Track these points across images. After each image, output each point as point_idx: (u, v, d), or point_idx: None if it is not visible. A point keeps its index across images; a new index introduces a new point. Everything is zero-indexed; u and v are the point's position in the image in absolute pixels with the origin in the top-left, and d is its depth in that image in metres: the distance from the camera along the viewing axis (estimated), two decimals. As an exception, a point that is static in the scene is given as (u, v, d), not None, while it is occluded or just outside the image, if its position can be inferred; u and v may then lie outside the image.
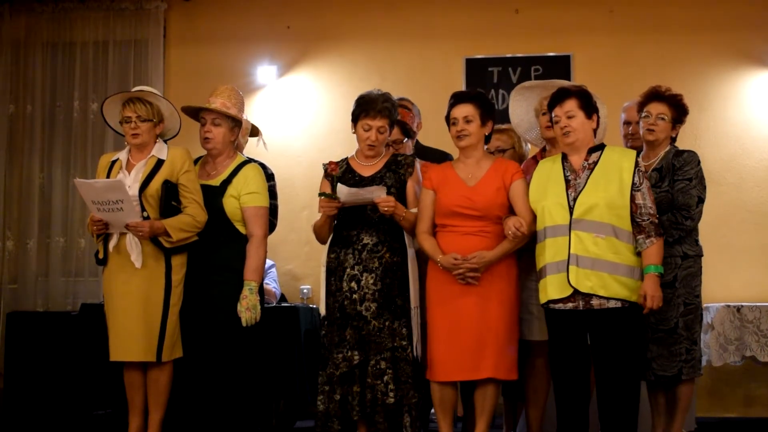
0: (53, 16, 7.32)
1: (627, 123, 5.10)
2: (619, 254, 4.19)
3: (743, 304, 5.90)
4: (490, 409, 4.43)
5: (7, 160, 7.30)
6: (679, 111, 4.75)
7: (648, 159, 4.75)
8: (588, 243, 4.18)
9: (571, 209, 4.23)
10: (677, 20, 6.83)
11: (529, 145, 5.04)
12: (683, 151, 4.72)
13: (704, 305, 5.89)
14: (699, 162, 4.68)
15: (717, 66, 6.79)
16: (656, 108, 4.71)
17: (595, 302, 4.19)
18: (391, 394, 4.45)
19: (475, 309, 4.38)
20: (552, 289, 4.25)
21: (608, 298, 4.17)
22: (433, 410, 4.66)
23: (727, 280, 6.55)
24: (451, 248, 4.40)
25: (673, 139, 4.78)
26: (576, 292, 4.20)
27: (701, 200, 4.64)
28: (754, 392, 6.58)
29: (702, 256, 4.72)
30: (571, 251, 4.19)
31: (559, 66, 6.88)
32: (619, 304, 4.18)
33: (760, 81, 6.76)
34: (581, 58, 6.91)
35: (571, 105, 4.33)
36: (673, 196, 4.60)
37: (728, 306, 5.86)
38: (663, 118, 4.70)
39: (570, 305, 4.23)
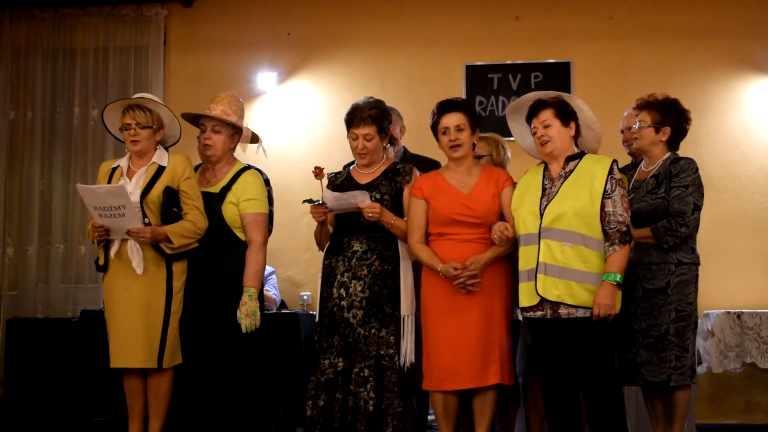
0: (54, 22, 7.34)
1: (623, 131, 5.15)
2: (588, 263, 4.18)
3: (743, 310, 5.90)
4: (490, 414, 4.44)
5: (8, 166, 7.30)
6: (662, 113, 4.69)
7: (647, 166, 4.76)
8: (556, 251, 4.19)
9: (541, 217, 4.25)
10: (677, 27, 6.84)
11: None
12: (681, 158, 4.70)
13: (704, 312, 5.92)
14: (696, 169, 4.66)
15: (717, 73, 6.80)
16: (639, 117, 4.73)
17: (562, 311, 4.19)
18: (372, 403, 4.44)
19: (479, 317, 4.38)
20: (522, 296, 4.29)
21: (576, 307, 4.17)
22: (431, 417, 4.65)
23: (727, 287, 6.55)
24: (450, 256, 4.40)
25: (672, 143, 4.75)
26: (544, 301, 4.20)
27: (697, 207, 4.62)
28: (754, 399, 6.58)
29: (698, 264, 4.70)
30: (540, 259, 4.20)
31: (559, 73, 6.89)
32: (588, 314, 4.17)
33: (759, 87, 6.76)
34: (581, 64, 6.92)
35: (546, 115, 4.35)
36: (669, 203, 4.60)
37: (728, 312, 5.85)
38: (642, 125, 4.70)
39: (539, 313, 4.24)
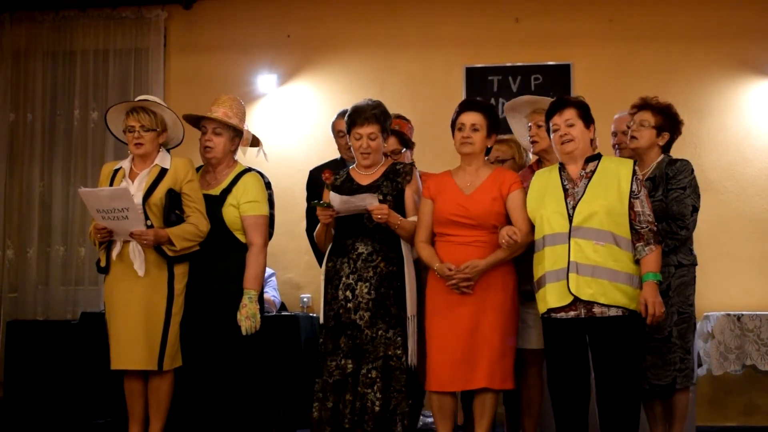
0: (54, 24, 7.34)
1: (614, 134, 5.14)
2: (619, 262, 4.18)
3: (743, 312, 5.90)
4: (489, 417, 4.43)
5: (8, 168, 7.31)
6: (664, 118, 4.73)
7: (641, 169, 4.76)
8: (588, 250, 4.17)
9: (570, 217, 4.23)
10: (677, 29, 6.85)
11: (531, 155, 5.06)
12: (677, 160, 4.72)
13: (705, 314, 5.92)
14: (692, 171, 4.69)
15: (716, 75, 6.80)
16: (639, 116, 4.74)
17: (596, 310, 4.17)
18: (378, 404, 4.45)
19: (470, 318, 4.37)
20: (552, 297, 4.23)
21: (609, 306, 4.16)
22: (431, 419, 4.66)
23: (727, 289, 6.54)
24: (447, 258, 4.41)
25: (666, 148, 4.77)
26: (576, 300, 4.18)
27: (695, 209, 4.64)
28: (754, 401, 6.57)
29: (696, 265, 4.71)
30: (571, 259, 4.18)
31: (559, 75, 6.89)
32: (619, 312, 4.17)
33: (759, 89, 6.76)
34: (581, 67, 6.92)
35: (570, 114, 4.33)
36: (667, 205, 4.61)
37: (728, 315, 5.85)
38: (644, 125, 4.71)
39: (572, 313, 4.21)
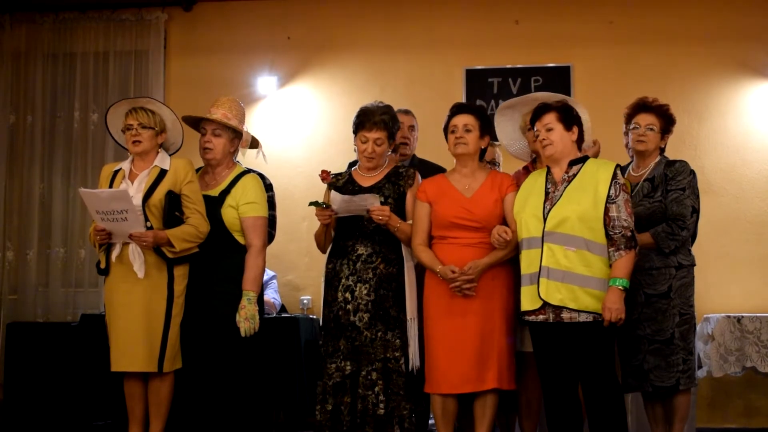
0: (54, 26, 7.34)
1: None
2: (591, 267, 4.17)
3: (743, 314, 5.89)
4: (490, 418, 4.44)
5: (8, 170, 7.30)
6: (666, 121, 4.77)
7: (638, 170, 4.77)
8: (559, 255, 4.17)
9: (545, 221, 4.24)
10: (677, 31, 6.85)
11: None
12: (675, 161, 4.73)
13: (705, 316, 5.92)
14: (690, 171, 4.70)
15: (716, 77, 6.80)
16: (645, 119, 4.74)
17: (565, 315, 4.17)
18: (381, 405, 4.45)
19: (478, 321, 4.38)
20: (525, 300, 4.27)
21: (579, 312, 4.15)
22: (432, 421, 4.66)
23: (727, 291, 6.54)
24: (450, 260, 4.41)
25: (662, 149, 4.80)
26: (546, 305, 4.19)
27: (695, 210, 4.65)
28: (754, 403, 6.57)
29: (695, 265, 4.72)
30: (543, 263, 4.19)
31: (559, 77, 6.89)
32: (590, 318, 4.16)
33: (759, 91, 6.77)
34: (581, 68, 6.93)
35: (549, 118, 4.35)
36: (667, 206, 4.61)
37: (728, 317, 5.85)
38: (652, 129, 4.72)
39: (540, 317, 4.23)
